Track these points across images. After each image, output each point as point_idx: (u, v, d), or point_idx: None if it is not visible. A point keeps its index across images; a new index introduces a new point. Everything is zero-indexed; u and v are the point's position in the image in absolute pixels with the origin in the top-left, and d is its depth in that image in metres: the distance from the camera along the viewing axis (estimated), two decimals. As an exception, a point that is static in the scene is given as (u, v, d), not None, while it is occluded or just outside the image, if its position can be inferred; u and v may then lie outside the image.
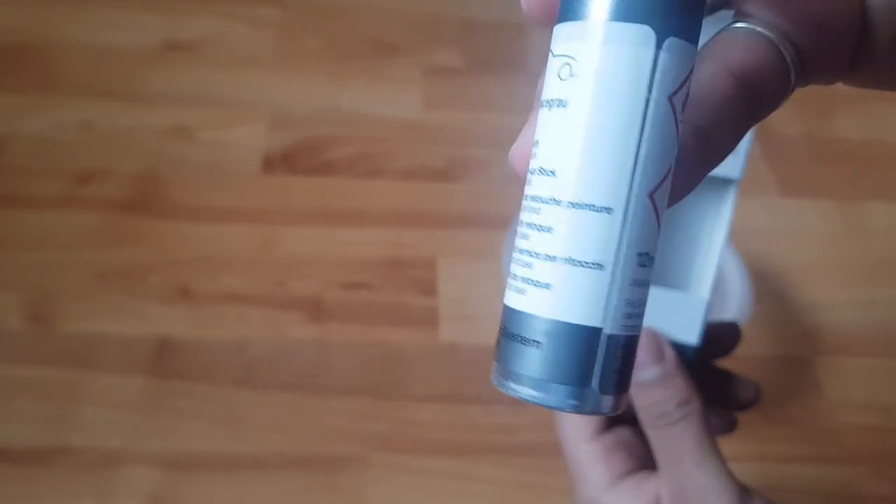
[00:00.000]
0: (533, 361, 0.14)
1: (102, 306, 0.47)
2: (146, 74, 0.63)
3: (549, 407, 0.14)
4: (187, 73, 0.63)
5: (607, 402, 0.14)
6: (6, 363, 0.44)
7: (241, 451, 0.42)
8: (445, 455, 0.43)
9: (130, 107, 0.60)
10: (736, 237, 0.49)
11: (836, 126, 0.66)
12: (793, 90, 0.17)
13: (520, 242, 0.15)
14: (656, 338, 0.26)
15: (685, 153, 0.15)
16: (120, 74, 0.62)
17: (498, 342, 0.15)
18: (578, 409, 0.14)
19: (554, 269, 0.14)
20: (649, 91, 0.13)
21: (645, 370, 0.26)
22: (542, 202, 0.14)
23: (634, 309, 0.14)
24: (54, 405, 0.43)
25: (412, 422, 0.44)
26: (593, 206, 0.13)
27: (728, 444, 0.29)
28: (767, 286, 0.53)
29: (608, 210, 0.13)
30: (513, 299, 0.14)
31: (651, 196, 0.14)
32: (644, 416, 0.26)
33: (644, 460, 0.28)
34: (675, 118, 0.14)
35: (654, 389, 0.25)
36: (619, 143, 0.13)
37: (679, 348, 0.26)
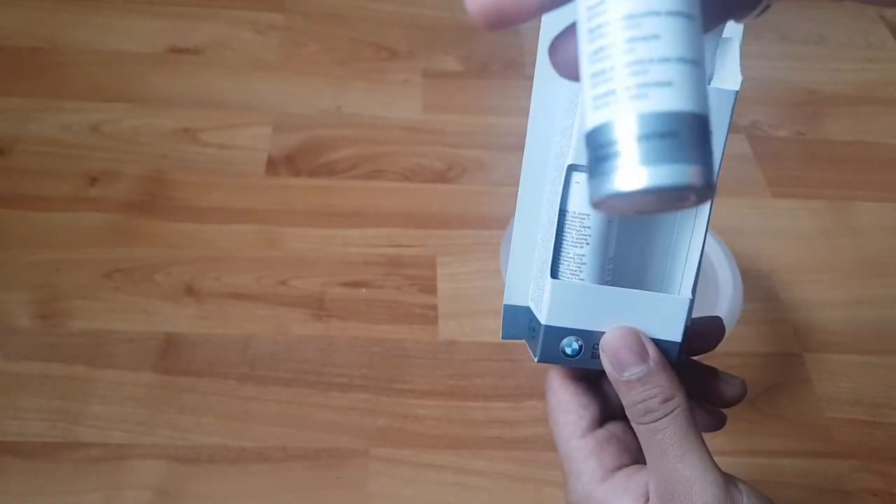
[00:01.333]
0: (672, 151, 0.16)
1: (109, 304, 0.48)
2: (152, 78, 0.64)
3: (687, 188, 0.16)
4: (193, 76, 0.64)
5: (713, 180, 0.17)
6: (15, 360, 0.45)
7: (246, 446, 0.43)
8: (444, 449, 0.44)
9: (137, 109, 0.61)
10: (727, 237, 0.50)
11: (825, 128, 0.67)
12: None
13: (623, 57, 0.17)
14: (639, 337, 0.27)
15: None
16: (127, 78, 0.63)
17: (608, 159, 0.16)
18: (709, 189, 0.16)
19: (671, 68, 0.16)
20: None
21: (629, 369, 0.26)
22: (640, 17, 0.16)
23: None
24: (63, 401, 0.44)
25: (412, 417, 0.45)
26: (685, 13, 0.16)
27: (719, 440, 0.29)
28: (758, 285, 0.54)
29: (693, 17, 0.16)
30: (634, 106, 0.16)
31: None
32: (631, 414, 0.27)
33: (635, 454, 0.28)
34: None
35: (639, 387, 0.26)
36: None
37: (663, 346, 0.27)
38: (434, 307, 0.50)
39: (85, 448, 0.42)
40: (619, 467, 0.28)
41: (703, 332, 0.29)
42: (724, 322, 0.46)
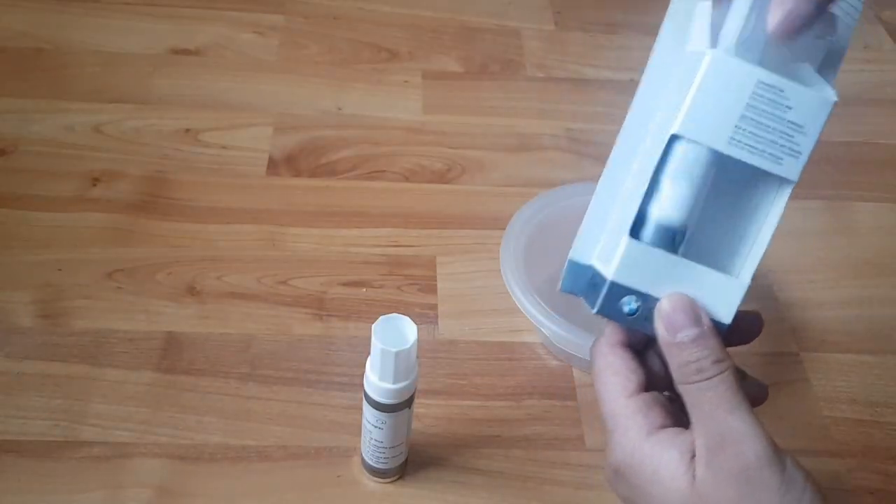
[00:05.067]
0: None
1: (111, 304, 0.49)
2: (154, 79, 0.64)
3: None
4: (194, 77, 0.64)
5: None
6: (18, 359, 0.45)
7: (247, 444, 0.43)
8: (444, 448, 0.44)
9: (139, 110, 0.61)
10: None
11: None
12: None
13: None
14: (693, 303, 0.28)
15: None
16: (129, 79, 0.63)
17: None
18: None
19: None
20: None
21: (683, 331, 0.28)
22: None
23: None
24: (64, 400, 0.44)
25: (412, 416, 0.45)
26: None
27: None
28: (756, 284, 0.54)
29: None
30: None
31: None
32: (681, 374, 0.28)
33: (678, 420, 0.29)
34: None
35: (692, 348, 0.27)
36: None
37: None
38: (434, 307, 0.51)
39: (87, 447, 0.42)
40: (664, 427, 0.29)
41: (742, 326, 0.30)
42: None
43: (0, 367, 0.45)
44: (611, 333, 0.30)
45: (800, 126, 0.28)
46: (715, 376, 0.27)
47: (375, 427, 0.38)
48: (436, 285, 0.52)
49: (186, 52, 0.67)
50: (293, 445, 0.43)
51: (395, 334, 0.35)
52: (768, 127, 0.28)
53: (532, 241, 0.48)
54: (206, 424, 0.43)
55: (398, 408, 0.37)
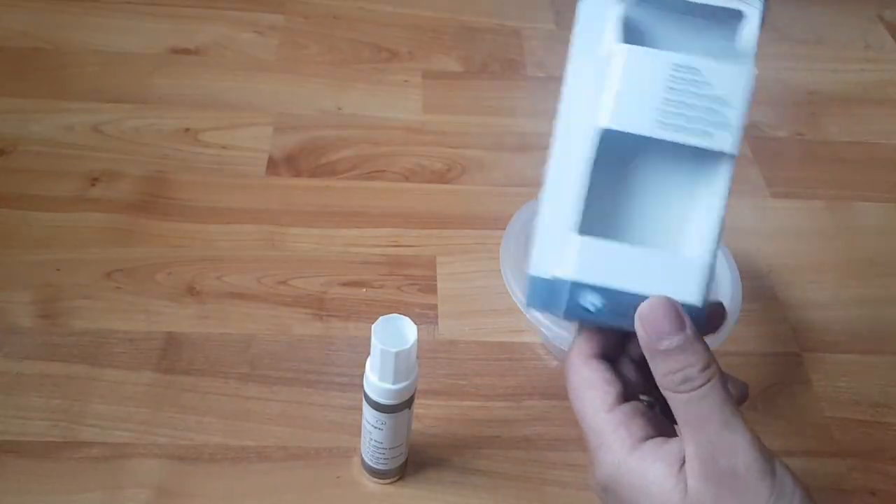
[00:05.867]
0: None
1: (111, 304, 0.49)
2: (154, 79, 0.64)
3: None
4: (194, 77, 0.64)
5: None
6: (17, 359, 0.45)
7: (246, 445, 0.43)
8: (444, 448, 0.44)
9: (138, 110, 0.61)
10: (726, 236, 0.50)
11: (824, 128, 0.67)
12: None
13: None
14: (675, 306, 0.27)
15: None
16: (128, 78, 0.63)
17: None
18: None
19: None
20: None
21: (667, 339, 0.27)
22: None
23: None
24: (64, 400, 0.44)
25: (412, 416, 0.45)
26: None
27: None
28: (757, 284, 0.54)
29: None
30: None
31: None
32: (666, 383, 0.27)
33: (660, 428, 0.29)
34: None
35: (677, 356, 0.26)
36: None
37: (687, 312, 0.28)
38: (434, 307, 0.51)
39: (86, 447, 0.42)
40: (647, 438, 0.28)
41: (708, 313, 0.29)
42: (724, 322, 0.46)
43: (-1, 368, 0.45)
44: (581, 345, 0.30)
45: (724, 99, 0.28)
46: (703, 385, 0.26)
47: (375, 428, 0.38)
48: (436, 285, 0.52)
49: (186, 51, 0.67)
50: (293, 446, 0.43)
51: (395, 334, 0.35)
52: (693, 106, 0.28)
53: (532, 241, 0.48)
54: (205, 425, 0.43)
55: (398, 408, 0.37)
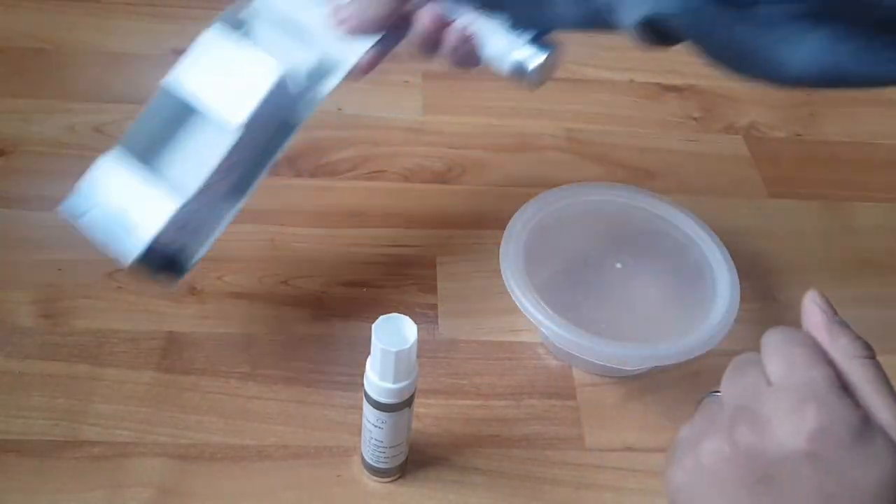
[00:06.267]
0: None
1: (112, 304, 0.49)
2: (156, 79, 0.64)
3: None
4: (193, 77, 0.64)
5: None
6: (19, 359, 0.45)
7: (247, 444, 0.43)
8: (443, 447, 0.44)
9: (140, 110, 0.61)
10: (725, 237, 0.50)
11: (822, 128, 0.67)
12: None
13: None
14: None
15: None
16: (130, 79, 0.63)
17: None
18: None
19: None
20: None
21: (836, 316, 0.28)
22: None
23: None
24: (65, 399, 0.44)
25: (412, 415, 0.45)
26: None
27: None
28: (756, 284, 0.54)
29: None
30: None
31: None
32: (852, 348, 0.27)
33: None
34: None
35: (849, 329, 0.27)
36: None
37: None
38: (434, 306, 0.51)
39: (87, 446, 0.42)
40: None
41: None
42: (723, 322, 0.47)
43: (1, 367, 0.45)
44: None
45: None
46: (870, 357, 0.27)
47: (375, 427, 0.38)
48: (436, 285, 0.52)
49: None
50: (293, 445, 0.43)
51: (395, 334, 0.35)
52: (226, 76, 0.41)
53: (532, 241, 0.48)
54: (206, 424, 0.44)
55: (398, 407, 0.37)
